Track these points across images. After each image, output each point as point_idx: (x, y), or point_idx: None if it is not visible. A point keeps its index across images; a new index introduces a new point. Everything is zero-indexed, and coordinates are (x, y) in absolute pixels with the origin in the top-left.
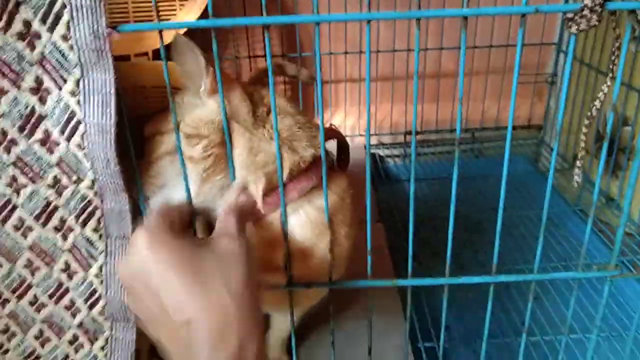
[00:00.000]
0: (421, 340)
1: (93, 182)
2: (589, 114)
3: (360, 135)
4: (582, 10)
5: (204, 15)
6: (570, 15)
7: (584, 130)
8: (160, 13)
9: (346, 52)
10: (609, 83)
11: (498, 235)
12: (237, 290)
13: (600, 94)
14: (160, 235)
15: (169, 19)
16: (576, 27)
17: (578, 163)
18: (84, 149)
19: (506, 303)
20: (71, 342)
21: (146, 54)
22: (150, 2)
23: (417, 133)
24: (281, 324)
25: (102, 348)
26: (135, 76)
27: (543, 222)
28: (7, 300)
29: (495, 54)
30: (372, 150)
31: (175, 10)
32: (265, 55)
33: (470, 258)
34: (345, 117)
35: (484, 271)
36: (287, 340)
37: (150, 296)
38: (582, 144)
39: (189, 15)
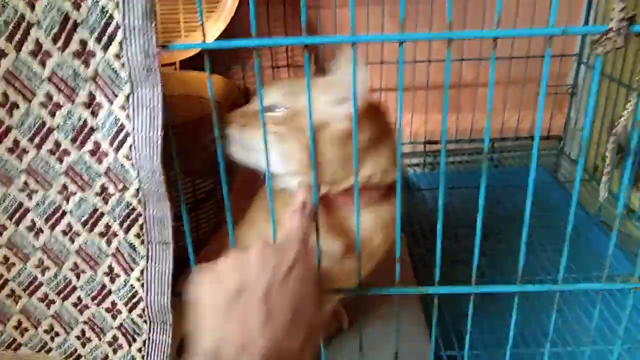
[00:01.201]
0: (443, 348)
1: (138, 190)
2: (613, 131)
3: None
4: (608, 32)
5: (227, 28)
6: (595, 37)
7: (609, 147)
8: (186, 24)
9: (368, 63)
10: (635, 100)
11: (523, 245)
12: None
13: (625, 112)
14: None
15: (195, 30)
16: (602, 48)
17: (604, 179)
18: (131, 159)
19: (527, 313)
20: (110, 343)
21: (173, 64)
22: (177, 13)
23: (436, 142)
24: None
25: (140, 350)
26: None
27: (568, 232)
28: (52, 302)
29: (515, 64)
30: None
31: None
32: (288, 66)
33: (490, 267)
34: None
35: (503, 280)
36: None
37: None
38: (607, 160)
39: (216, 25)
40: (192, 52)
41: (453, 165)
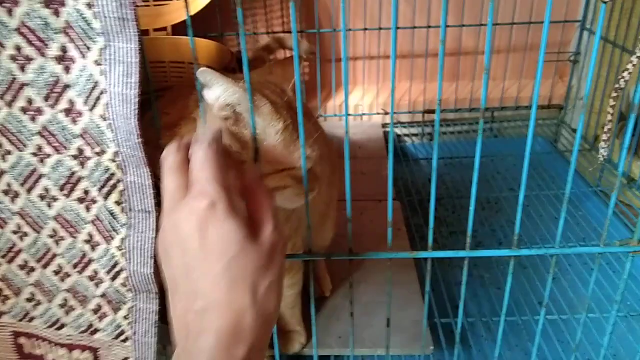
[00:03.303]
0: (438, 316)
1: (116, 154)
2: (617, 86)
3: (378, 113)
4: None
5: None
6: None
7: (612, 102)
8: None
9: (365, 29)
10: (637, 56)
11: (520, 209)
12: (261, 300)
13: (630, 66)
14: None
15: None
16: None
17: (604, 137)
18: (107, 119)
19: (523, 283)
20: (95, 311)
21: (165, 29)
22: None
23: (435, 112)
24: (286, 290)
25: (126, 317)
26: (155, 51)
27: (566, 198)
28: (32, 269)
29: (517, 32)
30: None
31: None
32: (283, 32)
33: (489, 236)
34: (364, 95)
35: (503, 247)
36: (297, 310)
37: (180, 260)
38: (609, 117)
39: None
40: (183, 16)
41: (453, 135)
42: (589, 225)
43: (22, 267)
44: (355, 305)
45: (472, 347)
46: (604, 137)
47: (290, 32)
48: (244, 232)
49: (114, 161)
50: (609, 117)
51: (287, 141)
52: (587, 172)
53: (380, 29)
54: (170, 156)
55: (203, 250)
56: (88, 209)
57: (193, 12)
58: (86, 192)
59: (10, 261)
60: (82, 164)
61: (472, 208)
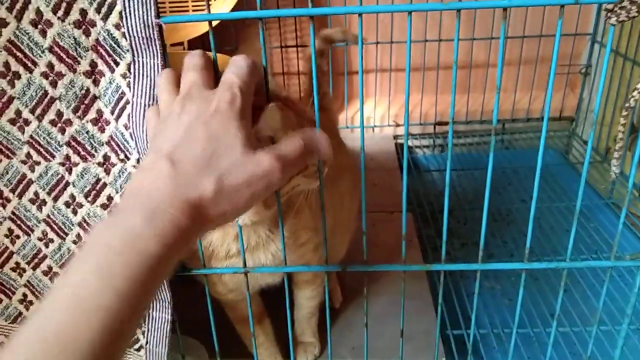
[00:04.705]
0: (450, 328)
1: (138, 161)
2: (627, 104)
3: (390, 125)
4: (622, 1)
5: (236, 7)
6: (609, 6)
7: (622, 121)
8: (194, 4)
9: (377, 42)
10: None
11: (531, 221)
12: (227, 190)
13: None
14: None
15: (203, 9)
16: (615, 18)
17: (616, 154)
18: (129, 128)
19: (535, 295)
20: None
21: (182, 43)
22: None
23: (447, 124)
24: (306, 302)
25: (140, 326)
26: (172, 66)
27: (577, 210)
28: (56, 274)
29: (528, 44)
30: (401, 141)
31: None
32: (296, 46)
33: (500, 247)
34: (375, 107)
35: (512, 261)
36: (314, 321)
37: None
38: (620, 134)
39: (223, 6)
40: (200, 31)
41: (464, 147)
42: (600, 237)
43: (46, 274)
44: (369, 317)
45: (483, 358)
46: (616, 154)
47: (304, 46)
48: (242, 138)
49: (136, 167)
50: (620, 135)
51: None
52: (599, 184)
53: (392, 42)
54: (195, 57)
55: (198, 131)
56: None
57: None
58: (110, 198)
59: (35, 267)
60: (107, 171)
61: (484, 221)
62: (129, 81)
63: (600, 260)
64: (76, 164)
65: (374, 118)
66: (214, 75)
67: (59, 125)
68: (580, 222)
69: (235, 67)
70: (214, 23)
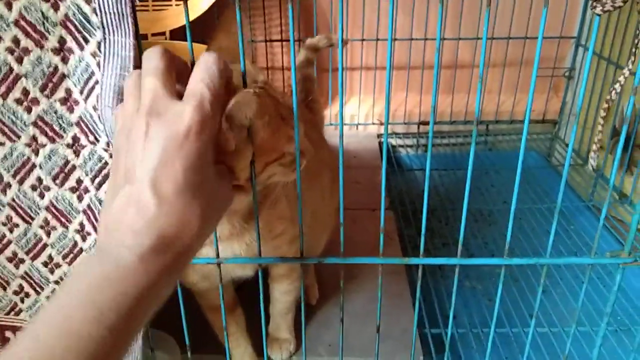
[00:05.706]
0: (428, 326)
1: (108, 144)
2: (607, 97)
3: (373, 123)
4: None
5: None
6: None
7: (602, 113)
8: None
9: (363, 40)
10: (628, 69)
11: (511, 219)
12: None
13: (621, 78)
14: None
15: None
16: (601, 8)
17: (594, 147)
18: (97, 110)
19: (515, 295)
20: None
21: (163, 33)
22: None
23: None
24: (282, 296)
25: None
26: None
27: (557, 210)
28: (21, 261)
29: (512, 46)
30: None
31: None
32: (281, 40)
33: (480, 248)
34: (360, 105)
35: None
36: (290, 317)
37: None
38: (599, 127)
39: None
40: (182, 21)
41: (447, 147)
42: (580, 239)
43: (10, 259)
44: (346, 315)
45: (461, 358)
46: (594, 147)
47: (287, 40)
48: (212, 164)
49: (106, 150)
50: (599, 128)
51: (274, 129)
52: (580, 187)
53: (378, 39)
54: (154, 58)
55: (174, 161)
56: (80, 198)
57: (192, 17)
58: (79, 182)
59: None
60: (77, 153)
61: (464, 216)
62: (99, 60)
63: (580, 257)
64: (43, 145)
65: (358, 116)
66: (175, 78)
67: (25, 104)
68: (560, 223)
69: (206, 73)
70: (197, 14)
